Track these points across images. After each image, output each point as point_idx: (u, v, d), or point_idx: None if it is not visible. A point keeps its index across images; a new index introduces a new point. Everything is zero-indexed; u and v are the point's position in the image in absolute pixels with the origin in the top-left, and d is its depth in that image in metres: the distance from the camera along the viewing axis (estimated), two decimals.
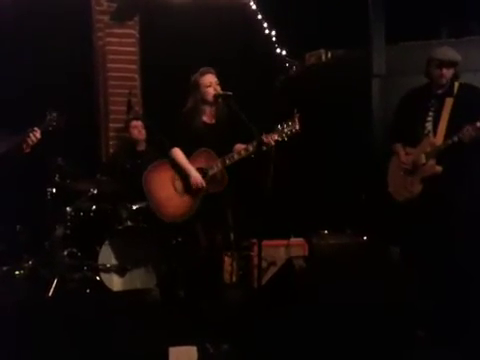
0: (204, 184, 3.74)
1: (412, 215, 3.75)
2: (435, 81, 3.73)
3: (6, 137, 3.68)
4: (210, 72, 3.79)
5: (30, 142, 3.66)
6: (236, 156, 3.74)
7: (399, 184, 3.86)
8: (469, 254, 3.62)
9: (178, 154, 3.78)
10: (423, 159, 3.73)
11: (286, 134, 3.67)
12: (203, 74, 3.78)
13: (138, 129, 4.86)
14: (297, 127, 3.67)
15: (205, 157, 3.78)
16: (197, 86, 3.78)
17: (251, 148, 3.68)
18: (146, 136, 4.91)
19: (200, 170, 3.77)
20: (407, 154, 3.83)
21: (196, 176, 3.73)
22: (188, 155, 3.79)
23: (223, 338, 3.31)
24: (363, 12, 4.75)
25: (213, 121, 3.87)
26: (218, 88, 3.75)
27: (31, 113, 3.99)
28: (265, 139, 3.57)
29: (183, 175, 3.78)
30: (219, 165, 3.74)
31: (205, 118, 3.85)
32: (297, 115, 3.67)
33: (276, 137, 3.65)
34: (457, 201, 3.64)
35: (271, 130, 3.67)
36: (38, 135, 3.68)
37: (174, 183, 3.78)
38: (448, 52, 3.68)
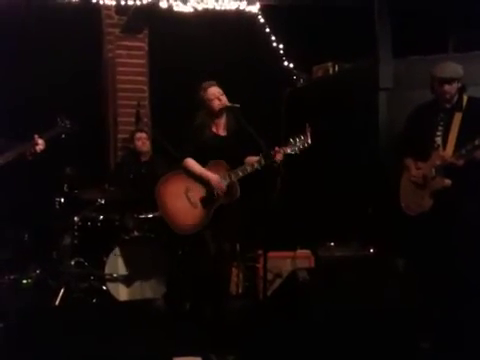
0: (225, 188, 3.73)
1: (422, 228, 3.74)
2: (440, 97, 3.75)
3: (11, 145, 3.74)
4: (212, 85, 3.81)
5: (33, 151, 3.73)
6: (249, 168, 3.74)
7: (411, 199, 3.85)
8: (477, 268, 3.60)
9: (191, 163, 3.78)
10: (433, 173, 3.72)
11: (298, 148, 3.73)
12: (206, 89, 3.81)
13: (142, 141, 4.90)
14: (309, 141, 3.72)
15: (218, 169, 3.78)
16: (203, 102, 3.82)
17: (263, 161, 3.70)
18: (151, 147, 4.94)
19: None
20: (417, 168, 3.83)
21: (216, 179, 3.71)
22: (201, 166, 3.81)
23: (228, 349, 3.30)
24: (370, 26, 4.78)
25: (224, 133, 3.88)
26: (223, 98, 3.78)
27: (41, 123, 4.04)
28: (276, 156, 3.61)
29: (198, 185, 3.77)
30: (232, 177, 3.75)
31: (215, 129, 3.87)
32: (309, 129, 3.72)
33: (288, 150, 3.69)
34: (467, 215, 3.63)
35: (283, 144, 3.71)
36: (41, 147, 3.74)
37: (188, 194, 3.76)
38: (448, 69, 3.69)
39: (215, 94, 3.77)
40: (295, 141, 3.72)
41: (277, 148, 3.64)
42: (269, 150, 3.61)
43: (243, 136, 3.73)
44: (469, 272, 3.56)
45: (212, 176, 3.73)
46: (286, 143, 3.71)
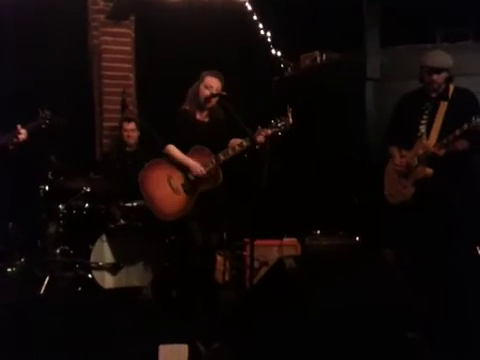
0: (204, 171, 3.74)
1: (405, 217, 3.77)
2: (428, 86, 3.77)
3: None
4: (216, 76, 3.81)
5: (16, 141, 3.69)
6: (231, 152, 3.76)
7: (393, 187, 3.89)
8: (461, 256, 3.64)
9: (173, 150, 3.80)
10: (415, 162, 3.75)
11: (279, 129, 3.73)
12: (211, 75, 3.81)
13: (128, 133, 4.85)
14: (290, 122, 3.73)
15: (200, 154, 3.80)
16: (201, 81, 3.81)
17: (245, 143, 3.70)
18: (139, 137, 4.91)
19: None
20: (402, 156, 3.86)
21: (194, 164, 3.74)
22: (184, 152, 3.82)
23: (214, 337, 3.31)
24: (358, 15, 4.77)
25: (207, 119, 3.89)
26: (213, 99, 3.77)
27: (26, 111, 3.99)
28: (258, 138, 3.61)
29: (179, 172, 3.79)
30: (214, 161, 3.76)
31: (199, 116, 3.88)
32: (290, 110, 3.73)
33: (269, 132, 3.69)
34: (449, 203, 3.66)
35: (264, 125, 3.73)
36: (24, 137, 3.71)
37: (170, 181, 3.79)
38: (438, 58, 3.71)
39: (212, 86, 3.76)
40: (276, 122, 3.74)
41: (259, 128, 3.65)
42: (252, 132, 3.62)
43: (227, 124, 3.74)
44: (452, 261, 3.60)
45: (190, 161, 3.73)
46: (268, 124, 3.73)
